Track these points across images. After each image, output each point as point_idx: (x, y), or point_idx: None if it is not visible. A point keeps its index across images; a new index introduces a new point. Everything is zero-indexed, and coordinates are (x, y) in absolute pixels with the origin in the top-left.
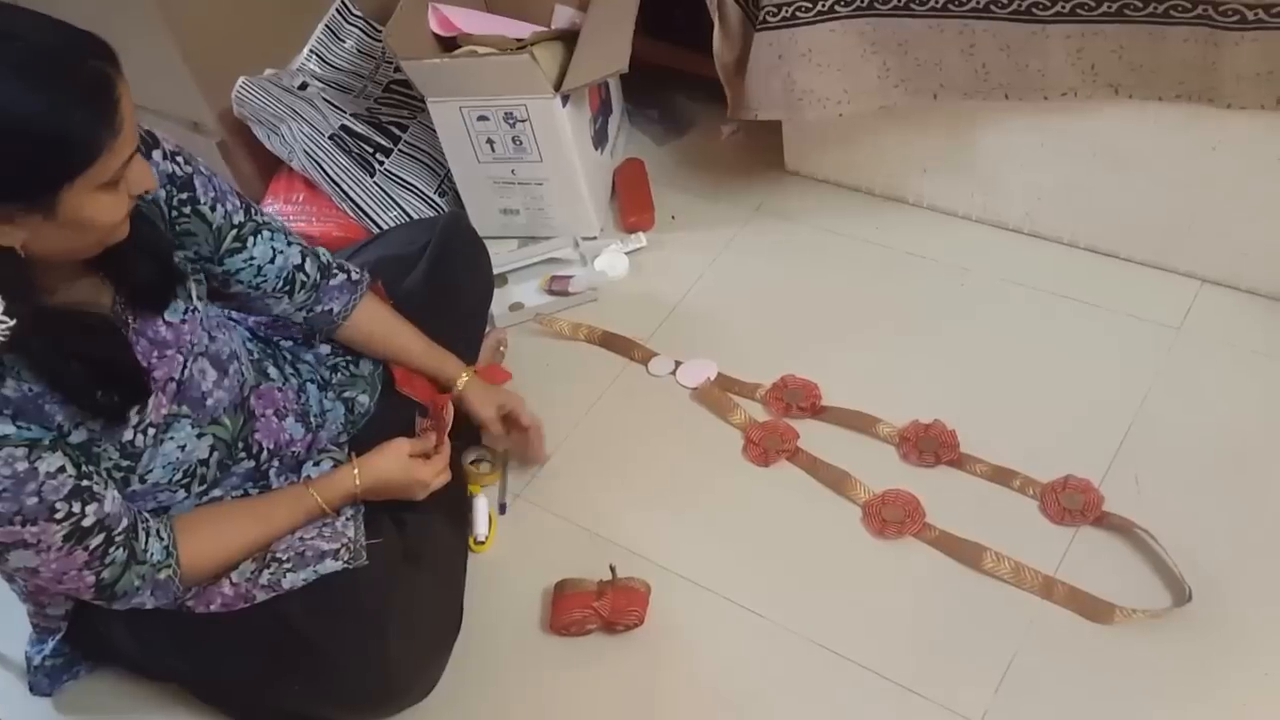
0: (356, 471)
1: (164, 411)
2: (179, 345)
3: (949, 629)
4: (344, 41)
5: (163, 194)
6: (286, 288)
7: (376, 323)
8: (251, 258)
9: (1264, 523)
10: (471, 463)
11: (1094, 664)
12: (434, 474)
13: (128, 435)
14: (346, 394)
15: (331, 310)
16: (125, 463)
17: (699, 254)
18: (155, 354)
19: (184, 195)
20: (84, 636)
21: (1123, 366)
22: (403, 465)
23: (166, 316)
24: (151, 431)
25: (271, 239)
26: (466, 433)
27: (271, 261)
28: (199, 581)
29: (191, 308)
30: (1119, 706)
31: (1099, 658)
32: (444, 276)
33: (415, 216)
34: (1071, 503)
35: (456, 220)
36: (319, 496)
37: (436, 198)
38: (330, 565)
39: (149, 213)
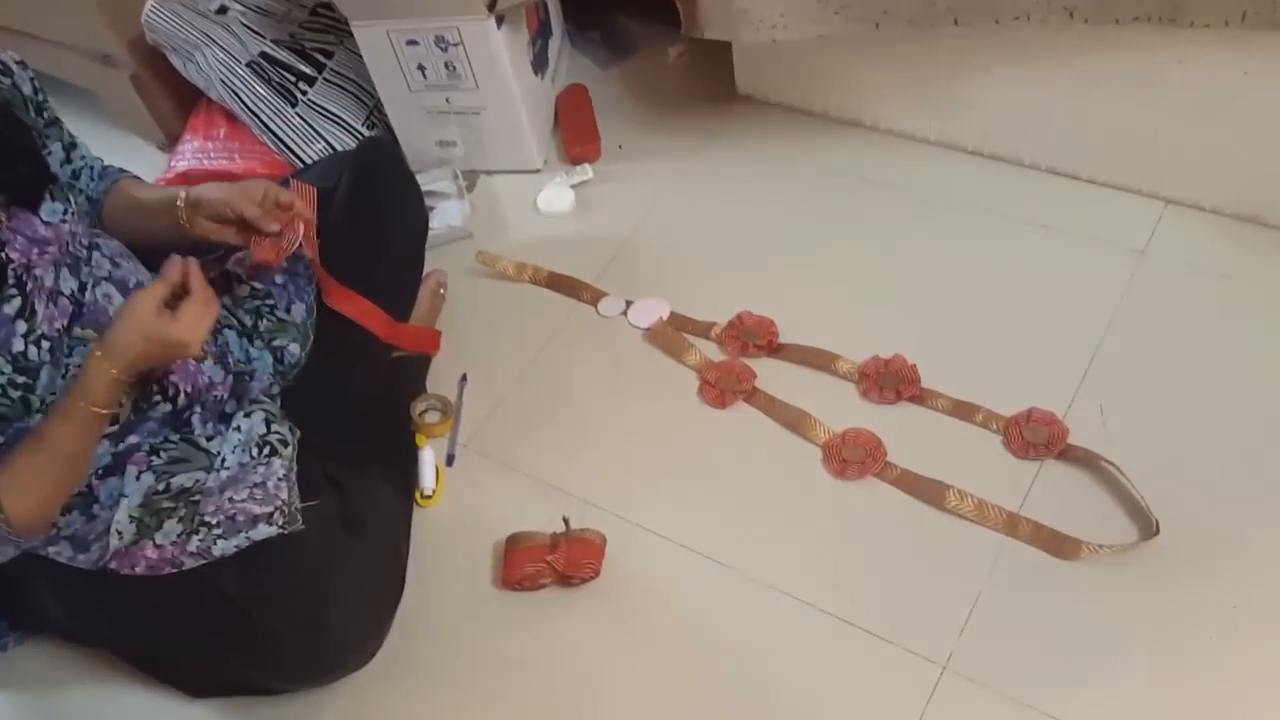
0: (99, 354)
1: (56, 324)
2: (59, 244)
3: (913, 570)
4: None
5: (27, 84)
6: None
7: (119, 198)
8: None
9: (1231, 452)
10: (420, 413)
11: (1061, 601)
12: (189, 328)
13: (18, 345)
14: (275, 342)
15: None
16: (20, 379)
17: (648, 186)
18: (35, 251)
19: (40, 87)
20: (10, 605)
21: (1086, 293)
22: (146, 330)
23: (44, 215)
24: (45, 345)
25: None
26: (414, 379)
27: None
28: (32, 527)
29: (70, 210)
30: (1087, 644)
31: (1066, 595)
32: (366, 211)
33: (341, 150)
34: (1035, 436)
35: (375, 146)
36: (81, 400)
37: (364, 130)
38: (264, 531)
39: (13, 100)
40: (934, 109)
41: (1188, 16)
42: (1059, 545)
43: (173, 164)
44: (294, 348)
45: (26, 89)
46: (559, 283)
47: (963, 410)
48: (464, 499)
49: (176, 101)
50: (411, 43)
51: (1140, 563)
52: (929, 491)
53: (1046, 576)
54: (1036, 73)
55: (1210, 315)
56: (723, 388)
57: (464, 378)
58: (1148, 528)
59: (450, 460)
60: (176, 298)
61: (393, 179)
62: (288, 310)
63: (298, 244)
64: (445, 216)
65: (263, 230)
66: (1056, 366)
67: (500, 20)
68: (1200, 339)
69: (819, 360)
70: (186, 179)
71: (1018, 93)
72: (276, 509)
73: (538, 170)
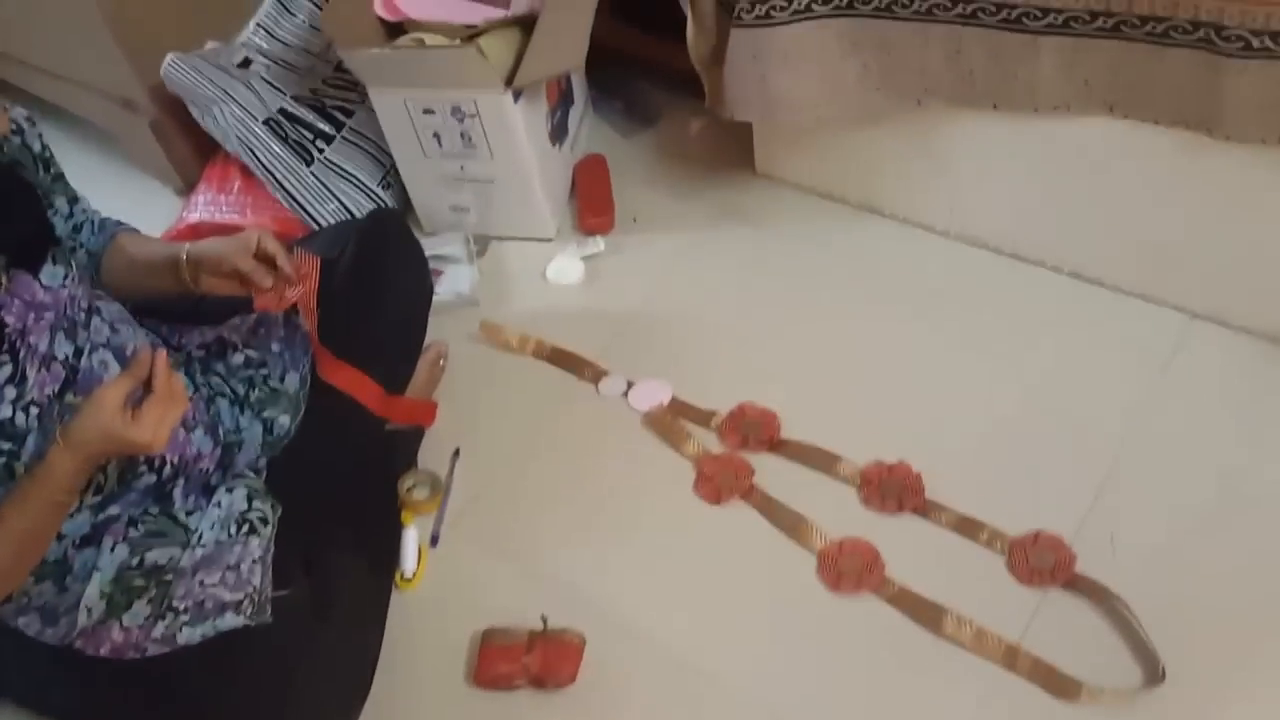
0: (61, 443)
1: (47, 390)
2: (57, 308)
3: (904, 698)
4: (295, 15)
5: (37, 142)
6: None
7: (118, 255)
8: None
9: (1247, 593)
10: (408, 489)
11: None
12: (149, 429)
13: (5, 411)
14: (265, 413)
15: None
16: (6, 445)
17: (658, 259)
18: (32, 316)
19: (47, 144)
20: None
21: (1103, 408)
22: (105, 429)
23: (44, 279)
24: (34, 411)
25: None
26: (406, 452)
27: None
28: None
29: (71, 275)
30: None
31: None
32: (369, 282)
33: (356, 212)
34: (1041, 561)
35: (384, 218)
36: (40, 487)
37: (380, 190)
38: (230, 621)
39: (22, 160)
40: (955, 203)
41: (1223, 130)
42: (1058, 685)
43: (185, 215)
44: (284, 419)
45: (36, 146)
46: (561, 359)
47: (967, 527)
48: (445, 584)
49: (195, 148)
50: (428, 111)
51: (1143, 711)
52: (926, 614)
53: (1043, 717)
54: (1065, 176)
55: (1234, 441)
56: (720, 483)
57: (456, 452)
58: (1154, 672)
59: (434, 540)
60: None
61: (399, 251)
62: (281, 380)
63: (299, 295)
64: (453, 283)
65: (257, 285)
66: (1067, 486)
67: (518, 95)
68: (1220, 466)
69: (820, 460)
70: (196, 232)
71: (1044, 194)
72: (246, 596)
73: (550, 239)
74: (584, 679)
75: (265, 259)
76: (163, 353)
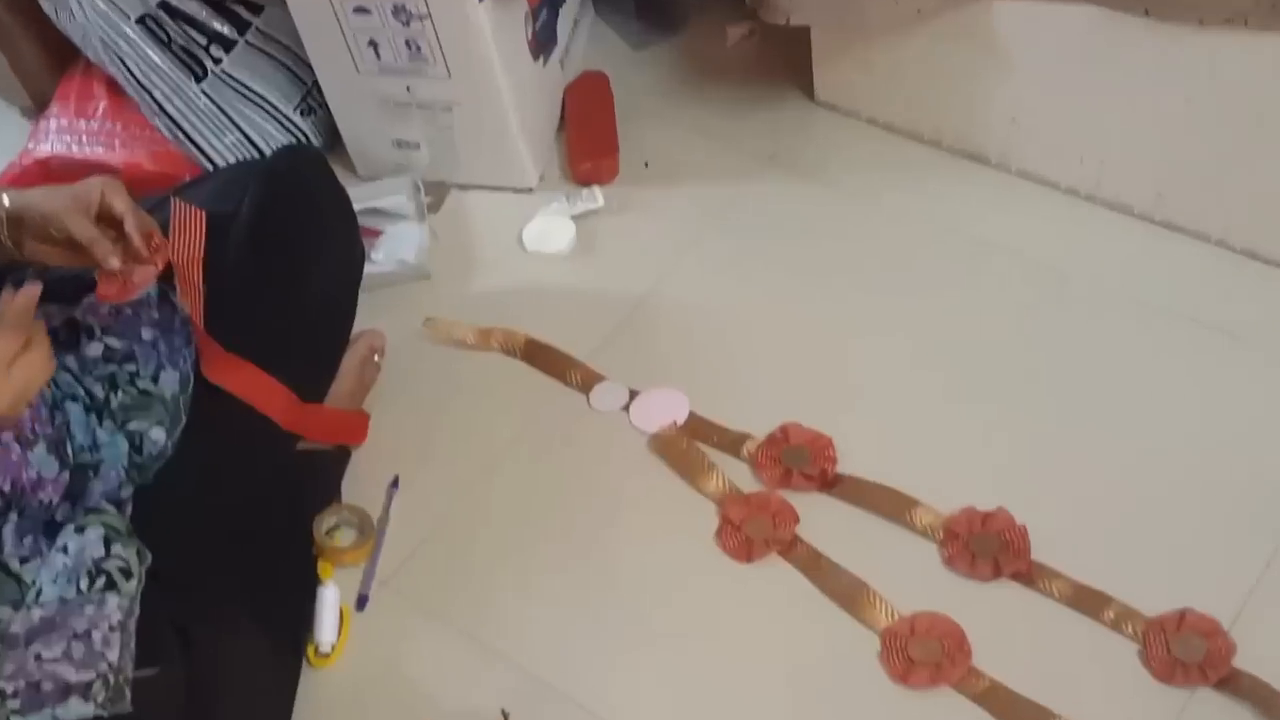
0: None
1: None
2: None
3: None
4: None
5: None
6: None
7: None
8: None
9: None
10: (327, 531)
11: None
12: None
13: None
14: (133, 424)
15: None
16: None
17: (678, 223)
18: None
19: None
20: None
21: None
22: None
23: None
24: None
25: None
26: (325, 483)
27: None
28: None
29: None
30: None
31: None
32: (277, 243)
33: (264, 147)
34: (1188, 652)
35: (297, 155)
36: None
37: (297, 119)
38: (76, 710)
39: None
40: (1090, 150)
41: None
42: None
43: (31, 146)
44: (157, 433)
45: None
46: (540, 356)
47: (1087, 601)
48: (375, 662)
49: (48, 54)
50: (361, 10)
51: None
52: (1027, 719)
53: None
54: (1237, 115)
55: None
56: (751, 533)
57: (394, 483)
58: None
59: (362, 603)
60: None
61: (320, 204)
62: (154, 379)
63: (150, 278)
64: (395, 247)
65: (99, 262)
66: (1227, 552)
67: None
68: None
69: (890, 505)
70: (47, 171)
71: (1210, 142)
72: (99, 677)
73: (530, 190)
74: None
75: (112, 222)
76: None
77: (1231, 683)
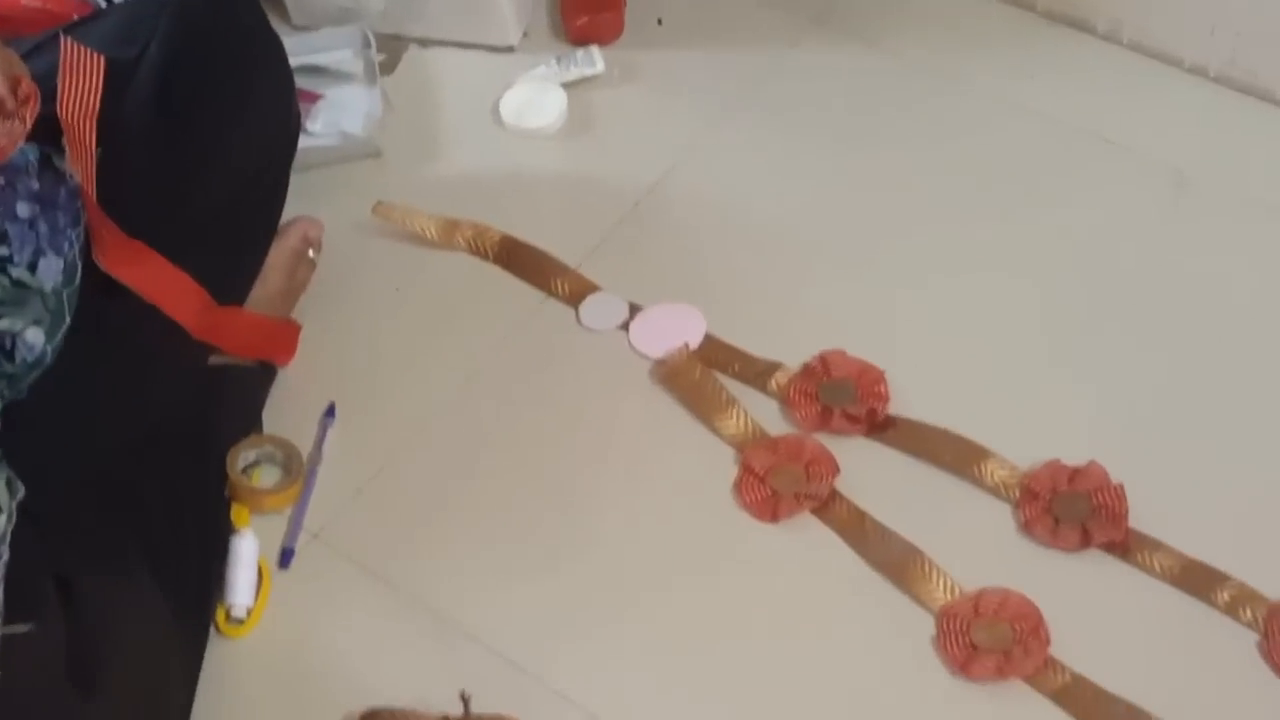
0: None
1: None
2: None
3: None
4: None
5: None
6: None
7: None
8: None
9: None
10: (244, 469)
11: None
12: None
13: None
14: (2, 322)
15: None
16: None
17: (698, 98)
18: None
19: None
20: None
21: None
22: None
23: None
24: None
25: None
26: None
27: None
28: None
29: None
30: None
31: None
32: (190, 103)
33: None
34: None
35: None
36: None
37: None
38: None
39: None
40: (1227, 19)
41: None
42: None
43: None
44: (34, 334)
45: None
46: (518, 259)
47: (1197, 579)
48: (299, 631)
49: None
50: None
51: None
52: None
53: None
54: None
55: None
56: (779, 486)
57: (330, 412)
58: None
59: (285, 559)
60: None
61: (245, 56)
62: (31, 268)
63: (21, 142)
64: (337, 116)
65: None
66: None
67: None
68: None
69: (954, 455)
70: None
71: None
72: None
73: (510, 49)
74: None
75: None
76: None
77: None
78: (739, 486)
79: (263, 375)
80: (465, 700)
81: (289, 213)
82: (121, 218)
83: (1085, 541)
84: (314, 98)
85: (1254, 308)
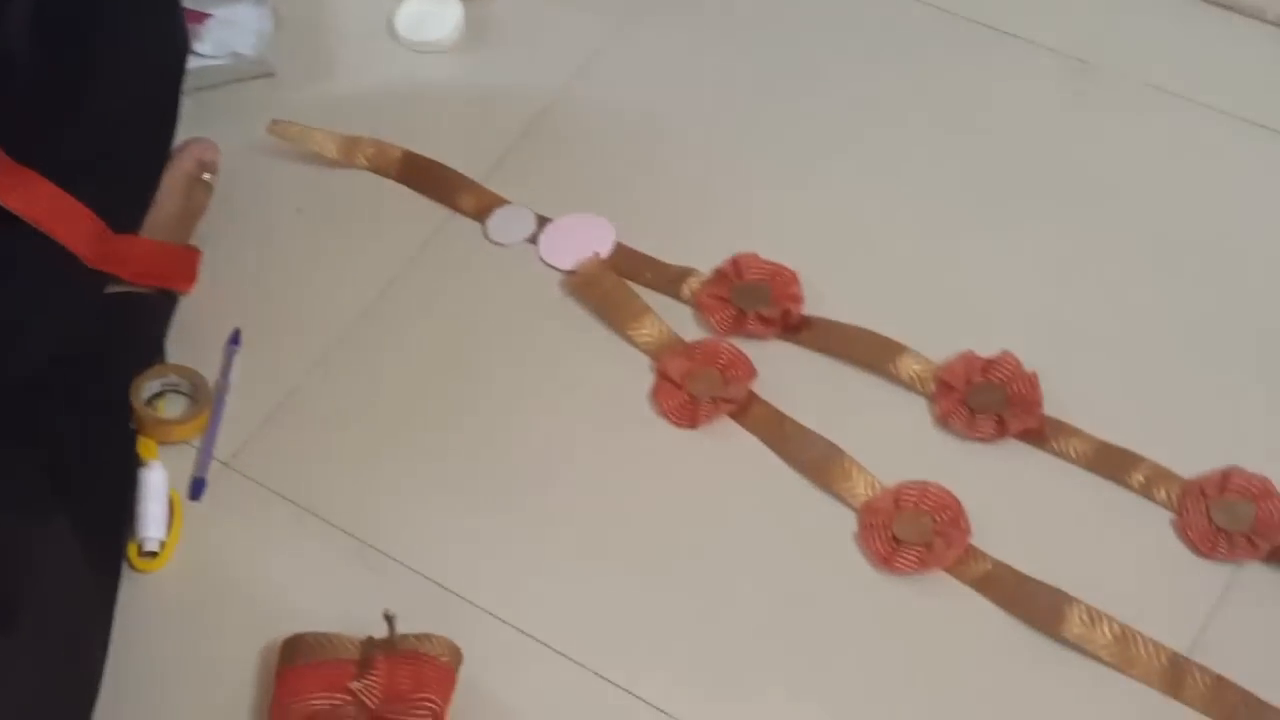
0: None
1: None
2: None
3: None
4: None
5: None
6: None
7: None
8: None
9: None
10: (149, 400)
11: None
12: None
13: None
14: None
15: None
16: None
17: (600, 2)
18: None
19: None
20: None
21: None
22: None
23: None
24: None
25: None
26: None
27: None
28: None
29: None
30: None
31: None
32: (72, 21)
33: None
34: (1233, 518)
35: None
36: None
37: None
38: None
39: None
40: None
41: None
42: None
43: None
44: None
45: None
46: (421, 175)
47: (1112, 462)
48: (215, 562)
49: None
50: None
51: None
52: (1038, 605)
53: None
54: None
55: None
56: (696, 390)
57: (234, 338)
58: None
59: (196, 490)
60: None
61: None
62: None
63: None
64: (227, 36)
65: None
66: None
67: None
68: None
69: (868, 352)
70: None
71: None
72: None
73: None
74: (458, 717)
75: None
76: None
77: None
78: (656, 393)
79: (163, 304)
80: (390, 620)
81: (182, 137)
82: (7, 145)
83: (1001, 431)
84: (202, 17)
85: (1157, 194)
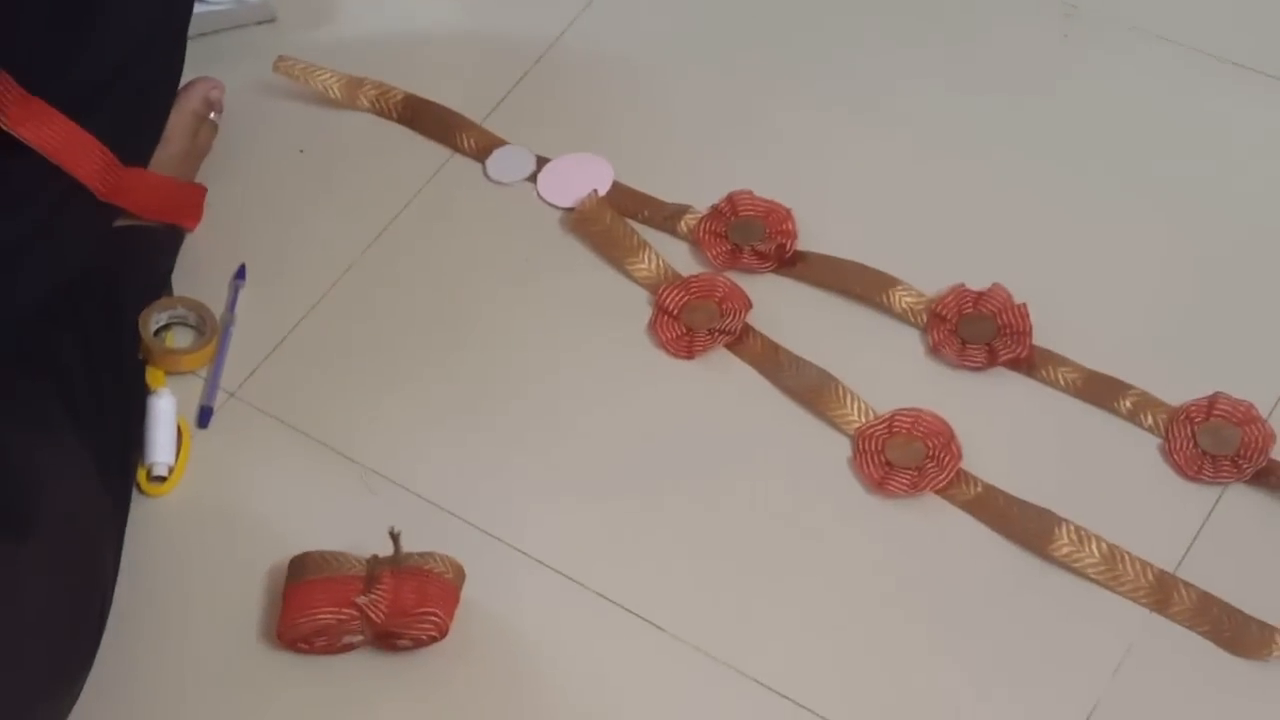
0: None
1: None
2: None
3: (991, 656)
4: None
5: None
6: None
7: None
8: None
9: None
10: (157, 331)
11: None
12: None
13: None
14: None
15: None
16: None
17: None
18: None
19: None
20: None
21: None
22: None
23: None
24: None
25: None
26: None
27: None
28: None
29: None
30: None
31: (1238, 715)
32: None
33: None
34: (1218, 442)
35: None
36: None
37: None
38: None
39: None
40: None
41: None
42: (1237, 633)
43: None
44: None
45: None
46: (423, 116)
47: (1100, 390)
48: (222, 487)
49: None
50: None
51: None
52: (1027, 525)
53: (1210, 682)
54: None
55: None
56: (693, 323)
57: (240, 273)
58: None
59: (204, 418)
60: None
61: None
62: None
63: None
64: None
65: None
66: (1267, 326)
67: None
68: None
69: (862, 284)
70: None
71: None
72: None
73: None
74: (459, 636)
75: None
76: None
77: (1270, 476)
78: (654, 325)
79: (170, 238)
80: (395, 537)
81: (187, 75)
82: (18, 76)
83: (992, 360)
84: None
85: (1143, 127)
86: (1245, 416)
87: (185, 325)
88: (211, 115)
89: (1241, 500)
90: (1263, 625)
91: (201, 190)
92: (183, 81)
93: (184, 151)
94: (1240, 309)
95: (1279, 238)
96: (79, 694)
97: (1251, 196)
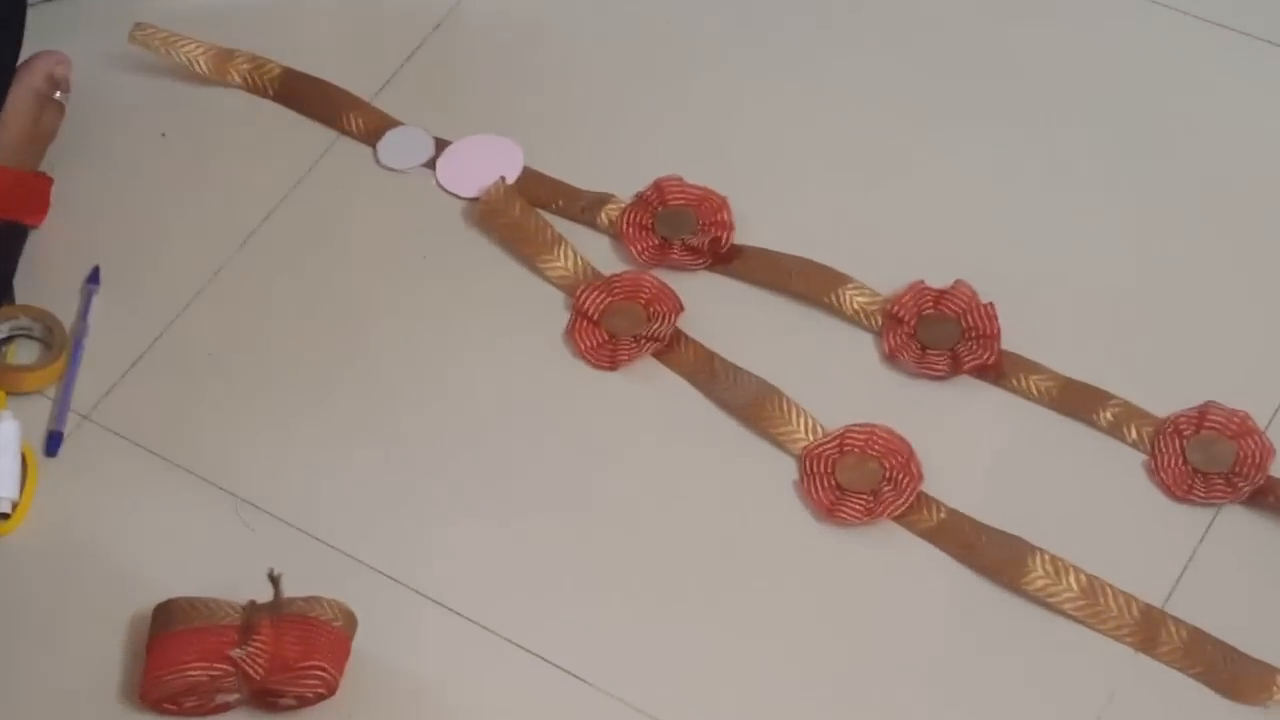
0: None
1: None
2: None
3: (957, 706)
4: None
5: None
6: None
7: None
8: None
9: None
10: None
11: None
12: None
13: None
14: None
15: None
16: None
17: None
18: None
19: None
20: None
21: None
22: None
23: None
24: None
25: None
26: None
27: None
28: None
29: None
30: None
31: None
32: None
33: None
34: (1210, 459)
35: None
36: None
37: None
38: None
39: None
40: None
41: None
42: (1234, 675)
43: None
44: None
45: None
46: (303, 94)
47: (1077, 400)
48: (75, 523)
49: None
50: None
51: None
52: (996, 555)
53: None
54: None
55: None
56: (616, 328)
57: (93, 276)
58: None
59: (53, 444)
60: None
61: None
62: None
63: None
64: None
65: None
66: (1264, 330)
67: None
68: None
69: (808, 283)
70: None
71: None
72: None
73: None
74: (350, 692)
75: None
76: None
77: (1268, 495)
78: (571, 332)
79: (11, 237)
80: (275, 580)
81: (29, 50)
82: None
83: (955, 368)
84: None
85: (1123, 104)
86: (1240, 428)
87: (30, 338)
88: (57, 94)
89: (1237, 523)
90: (1262, 666)
91: (47, 181)
92: (23, 55)
93: (25, 137)
94: (1234, 308)
95: (1277, 228)
96: None
97: (1249, 182)
